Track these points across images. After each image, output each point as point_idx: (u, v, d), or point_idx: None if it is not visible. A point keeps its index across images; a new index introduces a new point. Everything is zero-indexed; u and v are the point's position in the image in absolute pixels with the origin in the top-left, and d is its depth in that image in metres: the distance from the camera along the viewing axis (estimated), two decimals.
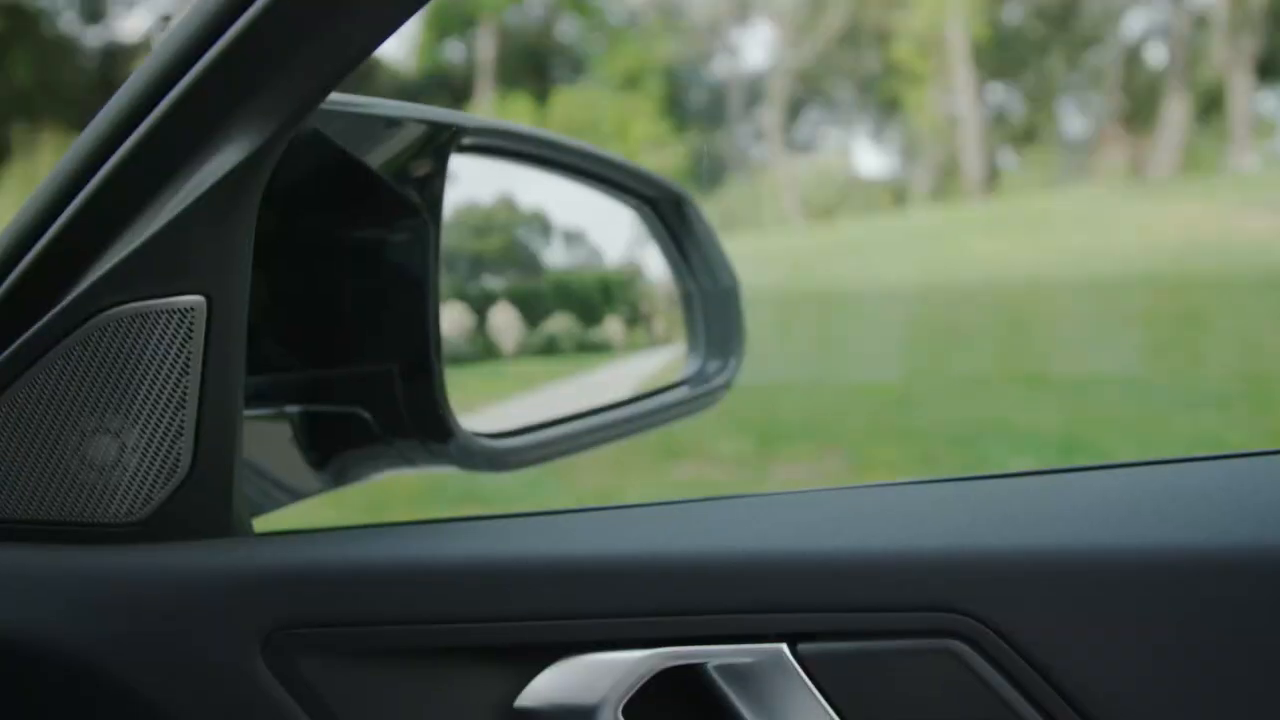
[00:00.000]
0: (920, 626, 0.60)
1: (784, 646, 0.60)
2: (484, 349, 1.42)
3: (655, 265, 1.29)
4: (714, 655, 0.61)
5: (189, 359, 0.66)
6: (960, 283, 10.40)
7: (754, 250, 12.33)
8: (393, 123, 0.83)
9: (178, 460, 0.66)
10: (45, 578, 0.67)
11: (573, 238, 2.04)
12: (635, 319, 1.58)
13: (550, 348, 1.46)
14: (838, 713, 0.60)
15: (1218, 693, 0.58)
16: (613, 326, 1.58)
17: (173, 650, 0.65)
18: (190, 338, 0.65)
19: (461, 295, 1.68)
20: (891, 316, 8.88)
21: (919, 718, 0.60)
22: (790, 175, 19.39)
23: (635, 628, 0.62)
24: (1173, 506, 0.62)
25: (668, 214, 1.07)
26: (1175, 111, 18.38)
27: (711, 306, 1.07)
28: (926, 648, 0.60)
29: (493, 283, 1.82)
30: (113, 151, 0.65)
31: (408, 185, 0.84)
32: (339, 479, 0.89)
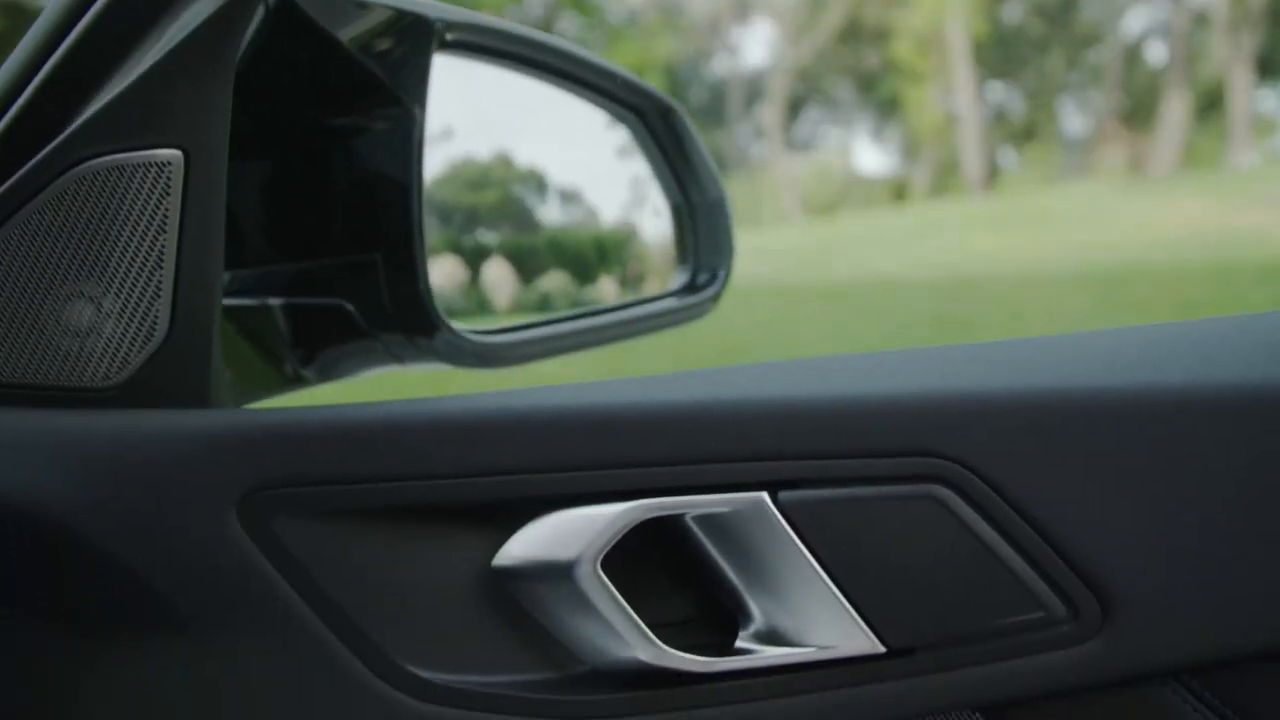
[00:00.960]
0: (902, 472, 0.59)
1: (764, 495, 0.60)
2: (477, 303, 1.42)
3: (650, 227, 1.29)
4: (693, 506, 0.61)
5: (165, 216, 0.65)
6: (960, 276, 10.39)
7: (754, 246, 12.32)
8: (372, 7, 0.83)
9: (155, 324, 0.66)
10: (16, 440, 0.67)
11: (569, 196, 2.04)
12: (629, 280, 1.57)
13: (544, 304, 1.46)
14: (818, 560, 0.60)
15: (1199, 530, 0.58)
16: (607, 286, 1.58)
17: (146, 513, 0.64)
18: (167, 194, 0.65)
19: (456, 248, 1.67)
20: (891, 308, 8.87)
21: (901, 563, 0.59)
22: (790, 173, 19.39)
23: (614, 479, 0.61)
24: (1155, 352, 0.62)
25: (655, 125, 1.06)
26: (1175, 109, 18.38)
27: (700, 219, 1.07)
28: (908, 493, 0.59)
29: (487, 237, 1.82)
30: (88, 6, 0.65)
31: (387, 72, 0.83)
32: (325, 374, 0.89)
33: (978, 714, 0.63)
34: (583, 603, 0.60)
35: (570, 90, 1.05)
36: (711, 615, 0.64)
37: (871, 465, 0.59)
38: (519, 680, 0.64)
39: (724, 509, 0.60)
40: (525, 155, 1.83)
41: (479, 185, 1.92)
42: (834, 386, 0.62)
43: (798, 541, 0.60)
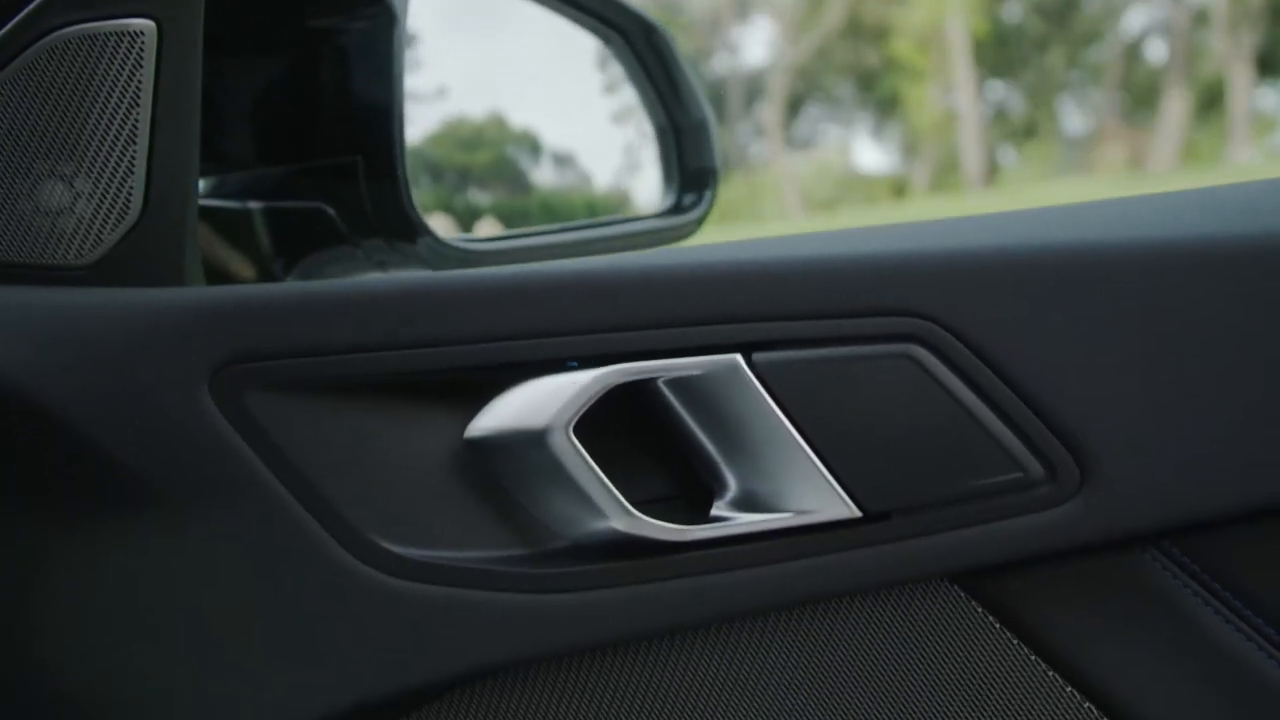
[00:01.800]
0: (878, 332, 0.59)
1: (738, 357, 0.60)
2: None
3: (643, 193, 1.28)
4: (666, 370, 0.60)
5: (139, 89, 0.65)
6: None
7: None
8: None
9: (128, 202, 0.65)
10: None
11: (562, 160, 2.03)
12: None
13: None
14: (793, 422, 0.59)
15: (1179, 389, 0.58)
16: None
17: (117, 388, 0.64)
18: (140, 66, 0.65)
19: (447, 208, 1.67)
20: None
21: (877, 425, 0.59)
22: (790, 171, 19.40)
23: (586, 345, 0.61)
24: (1136, 212, 0.62)
25: (639, 45, 1.06)
26: (1175, 107, 18.37)
27: (685, 140, 1.07)
28: (884, 353, 0.59)
29: (479, 198, 1.81)
30: None
31: None
32: (306, 280, 0.88)
33: (957, 587, 0.63)
34: (556, 471, 0.60)
35: (554, 9, 1.04)
36: (687, 489, 0.64)
37: (847, 325, 0.59)
38: (492, 556, 0.64)
39: (697, 372, 0.60)
40: (520, 118, 1.83)
41: (472, 145, 1.91)
42: (809, 248, 0.62)
43: (772, 404, 0.59)
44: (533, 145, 1.84)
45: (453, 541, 0.64)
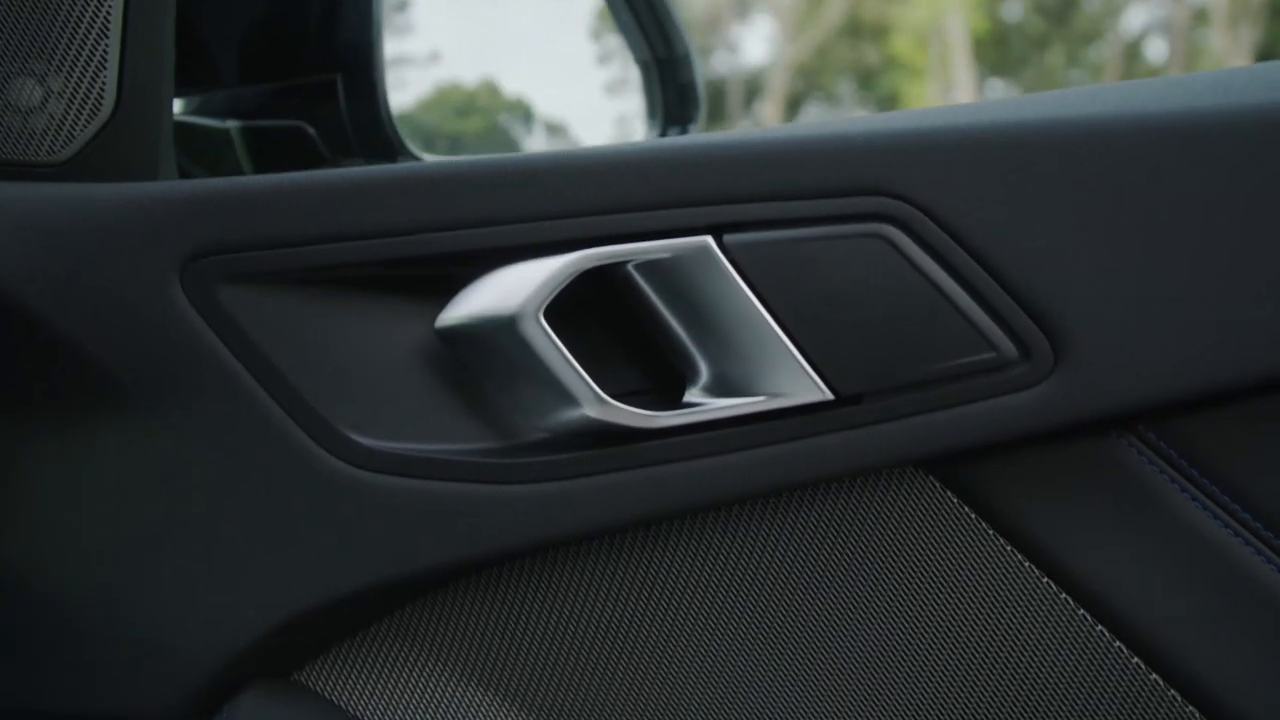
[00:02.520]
0: (850, 212, 0.59)
1: (709, 239, 0.59)
2: None
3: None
4: (636, 254, 0.60)
5: None
6: None
7: None
8: None
9: (100, 99, 0.65)
10: None
11: (554, 129, 2.03)
12: None
13: None
14: (765, 304, 0.59)
15: (1155, 265, 0.57)
16: None
17: (88, 282, 0.63)
18: None
19: None
20: None
21: (849, 306, 0.59)
22: None
23: (556, 230, 0.60)
24: (1111, 94, 0.61)
25: None
26: None
27: (667, 74, 1.06)
28: (856, 233, 0.58)
29: None
30: None
31: None
32: None
33: (932, 478, 0.62)
34: (527, 358, 0.60)
35: None
36: (659, 381, 0.64)
37: (818, 206, 0.59)
38: (465, 448, 0.63)
39: (667, 255, 0.59)
40: (513, 85, 1.83)
41: (465, 111, 1.91)
42: (780, 130, 0.61)
43: (743, 286, 0.59)
44: (525, 113, 1.83)
45: (425, 435, 0.63)
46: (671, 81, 1.05)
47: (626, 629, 0.66)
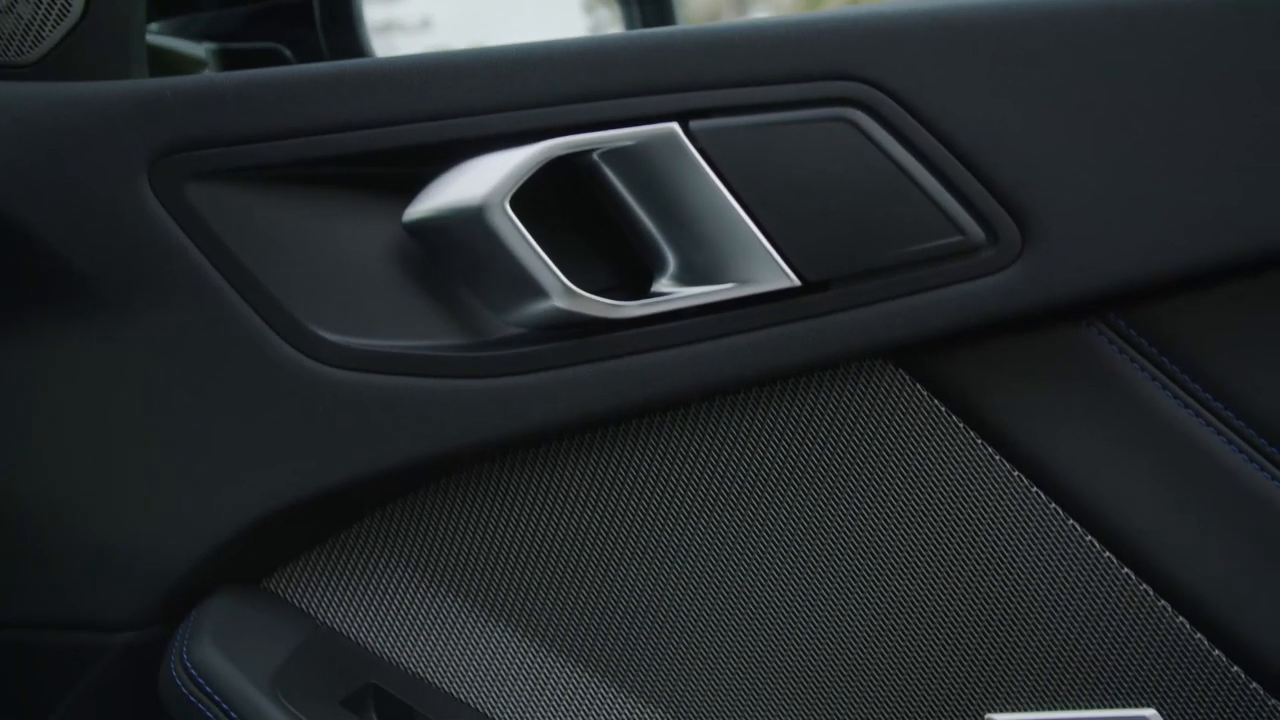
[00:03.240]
0: (815, 96, 0.58)
1: (675, 125, 0.59)
2: None
3: None
4: (602, 142, 0.59)
5: None
6: None
7: None
8: None
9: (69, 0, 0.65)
10: None
11: None
12: None
13: None
14: (730, 190, 0.58)
15: (1122, 146, 0.57)
16: None
17: (56, 181, 0.63)
18: None
19: None
20: None
21: (815, 191, 0.58)
22: None
23: (522, 120, 0.60)
24: None
25: None
26: None
27: (649, 7, 1.06)
28: (822, 117, 0.58)
29: None
30: None
31: None
32: None
33: (902, 371, 0.62)
34: (494, 247, 0.59)
35: None
36: (627, 277, 0.63)
37: (784, 91, 0.58)
38: (433, 344, 0.63)
39: (633, 143, 0.59)
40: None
41: None
42: (747, 20, 0.61)
43: (709, 172, 0.58)
44: None
45: (394, 331, 0.63)
46: (652, 13, 1.05)
47: (596, 529, 0.65)
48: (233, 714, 0.62)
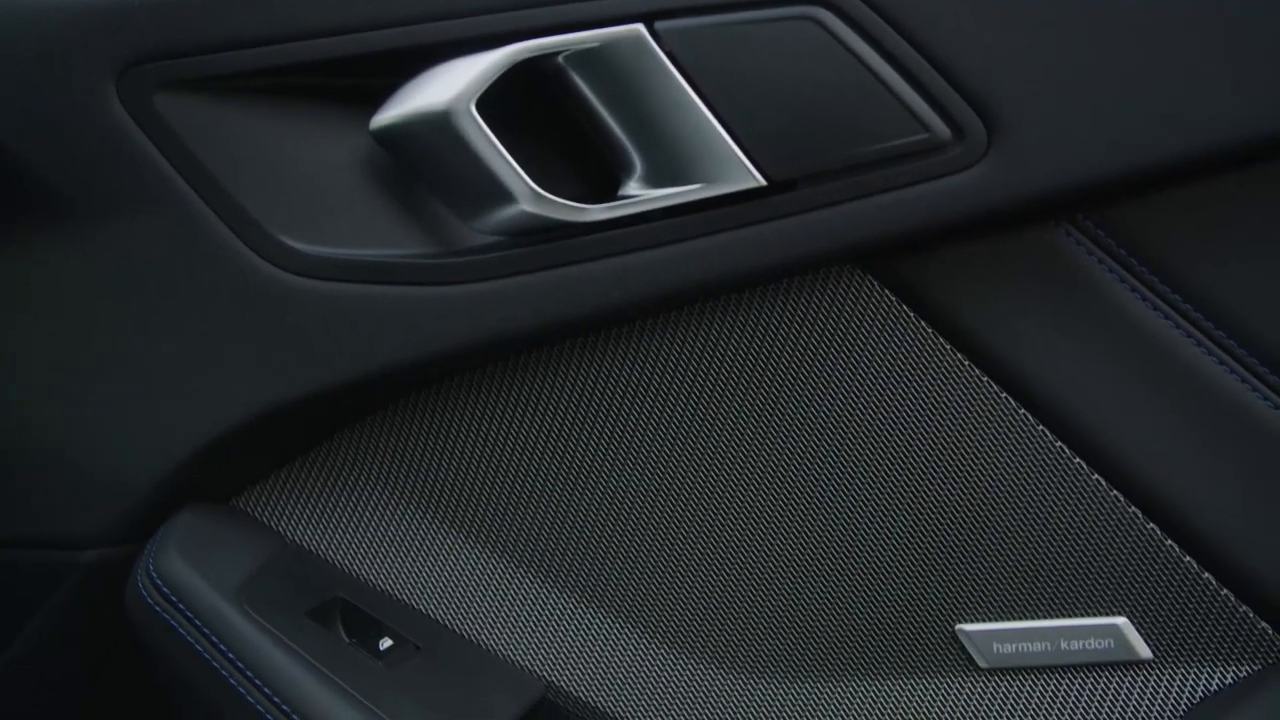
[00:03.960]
0: None
1: (640, 26, 0.59)
2: None
3: None
4: (567, 45, 0.59)
5: None
6: None
7: None
8: None
9: None
10: None
11: None
12: None
13: None
14: (696, 90, 0.58)
15: (1091, 39, 0.56)
16: None
17: (25, 93, 0.63)
18: None
19: None
20: None
21: (781, 90, 0.58)
22: None
23: (488, 24, 0.60)
24: None
25: None
26: None
27: None
28: (788, 15, 0.58)
29: None
30: None
31: None
32: None
33: (870, 276, 0.62)
34: (461, 151, 0.59)
35: None
36: (595, 184, 0.63)
37: None
38: (401, 253, 0.63)
39: (598, 44, 0.59)
40: None
41: None
42: None
43: (675, 73, 0.58)
44: None
45: (363, 240, 0.63)
46: None
47: (564, 441, 0.65)
48: (198, 624, 0.61)
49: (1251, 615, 0.60)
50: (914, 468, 0.62)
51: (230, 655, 0.60)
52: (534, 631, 0.67)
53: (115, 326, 0.65)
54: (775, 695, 0.65)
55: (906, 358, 0.61)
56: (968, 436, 0.61)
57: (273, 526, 0.68)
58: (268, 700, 0.59)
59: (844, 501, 0.63)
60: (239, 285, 0.63)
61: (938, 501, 0.62)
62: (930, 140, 0.57)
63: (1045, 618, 0.62)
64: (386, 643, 0.64)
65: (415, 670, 0.63)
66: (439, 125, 0.59)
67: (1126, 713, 0.62)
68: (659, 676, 0.66)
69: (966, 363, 0.61)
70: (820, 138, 0.58)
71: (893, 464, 0.62)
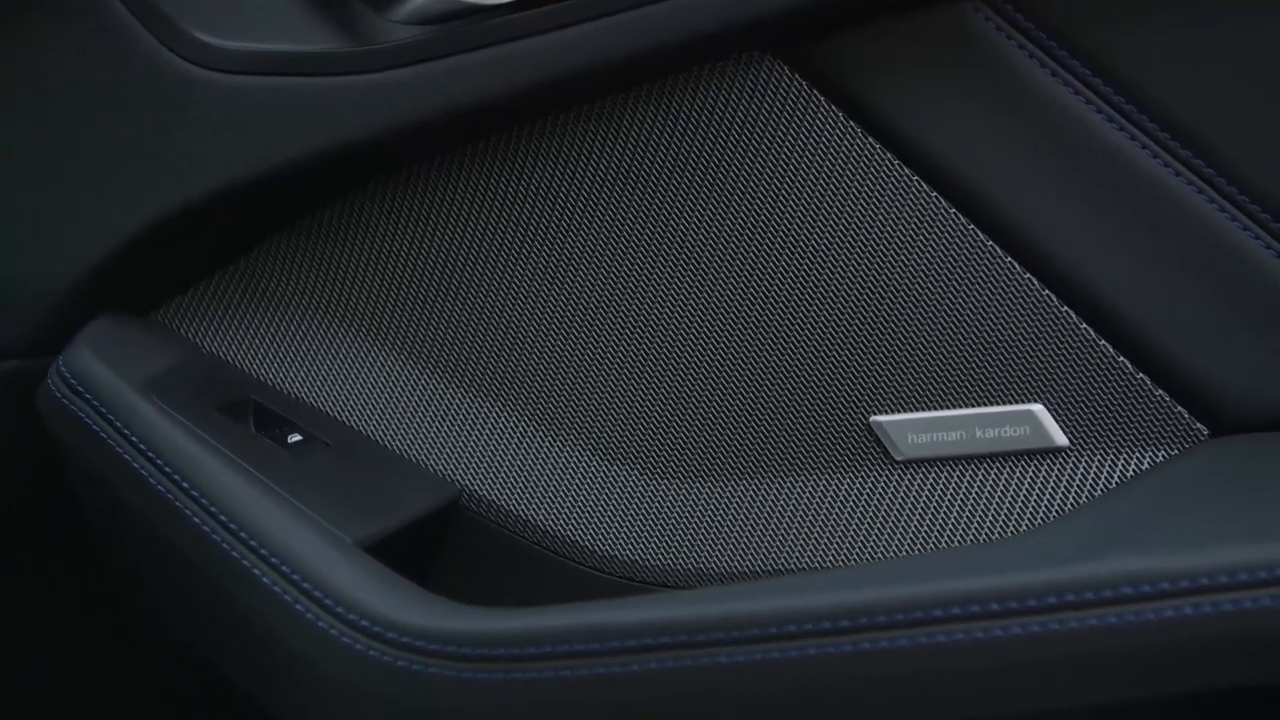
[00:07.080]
0: None
1: None
2: None
3: None
4: None
5: None
6: None
7: None
8: None
9: None
10: None
11: None
12: None
13: None
14: None
15: None
16: None
17: None
18: None
19: None
20: None
21: None
22: None
23: None
24: None
25: None
26: None
27: None
28: None
29: None
30: None
31: None
32: None
33: (780, 62, 0.61)
34: None
35: None
36: None
37: None
38: (314, 47, 0.62)
39: None
40: None
41: None
42: None
43: None
44: None
45: (277, 34, 0.63)
46: None
47: (478, 244, 0.65)
48: (104, 412, 0.61)
49: (1168, 399, 0.59)
50: (826, 256, 0.61)
51: (136, 441, 0.60)
52: (447, 436, 0.66)
53: (17, 125, 0.65)
54: (691, 496, 0.64)
55: (819, 144, 0.61)
56: (880, 223, 0.61)
57: (190, 339, 0.68)
58: (174, 485, 0.59)
59: (756, 294, 0.62)
60: (149, 80, 0.62)
61: (851, 290, 0.61)
62: None
63: (960, 407, 0.61)
64: (296, 438, 0.64)
65: (324, 463, 0.63)
66: None
67: (1043, 500, 0.61)
68: (572, 479, 0.65)
69: (878, 146, 0.60)
70: None
71: (805, 252, 0.62)
